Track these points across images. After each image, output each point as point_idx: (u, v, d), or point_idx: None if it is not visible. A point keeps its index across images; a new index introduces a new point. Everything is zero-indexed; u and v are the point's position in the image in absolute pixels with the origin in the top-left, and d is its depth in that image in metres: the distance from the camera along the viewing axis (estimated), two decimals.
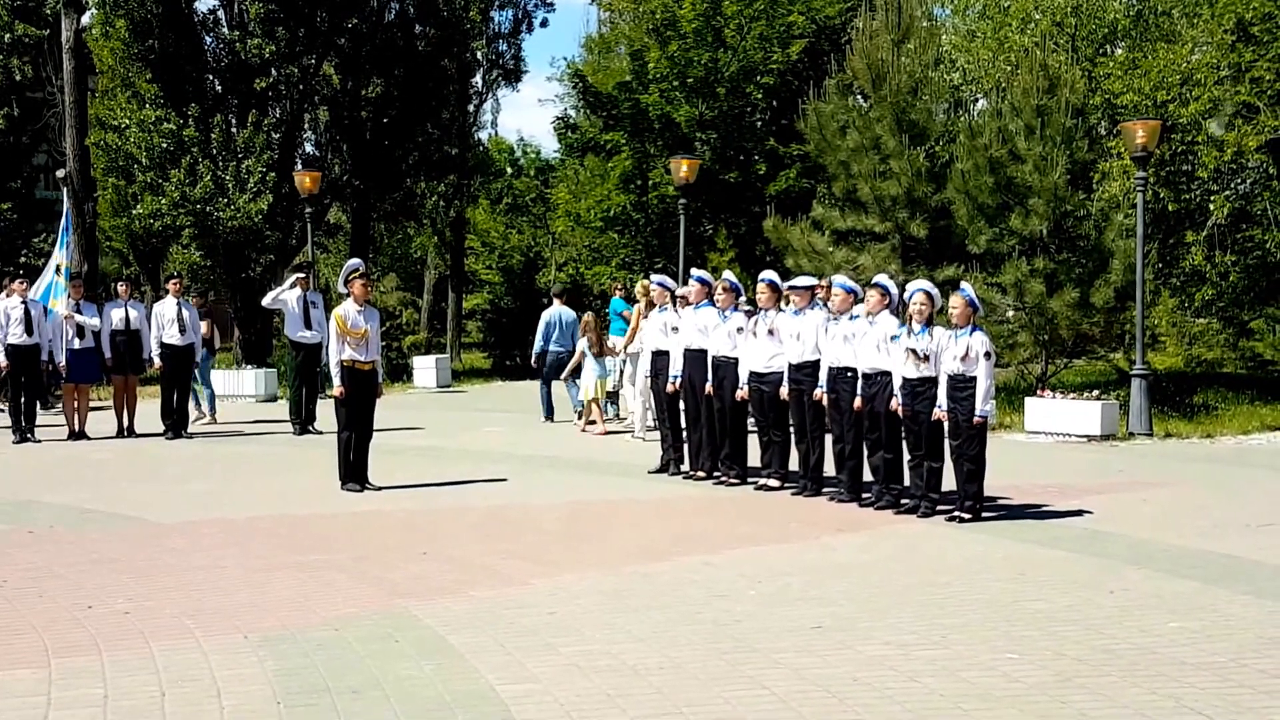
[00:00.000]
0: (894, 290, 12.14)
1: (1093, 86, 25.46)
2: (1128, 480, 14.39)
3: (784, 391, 13.08)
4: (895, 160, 22.52)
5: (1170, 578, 9.22)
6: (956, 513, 11.50)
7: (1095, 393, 19.40)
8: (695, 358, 14.13)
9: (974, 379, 11.28)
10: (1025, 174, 21.23)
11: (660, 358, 14.84)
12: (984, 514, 11.58)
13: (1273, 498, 13.17)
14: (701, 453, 14.25)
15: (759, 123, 31.17)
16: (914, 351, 11.57)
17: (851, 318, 12.40)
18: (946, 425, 11.50)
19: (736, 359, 13.59)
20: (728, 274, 14.67)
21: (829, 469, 12.99)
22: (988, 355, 11.32)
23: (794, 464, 13.34)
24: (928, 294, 11.64)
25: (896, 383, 11.79)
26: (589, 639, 7.53)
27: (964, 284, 12.00)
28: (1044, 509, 12.20)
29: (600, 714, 6.19)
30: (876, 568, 9.65)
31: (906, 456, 12.03)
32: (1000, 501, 12.39)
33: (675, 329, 14.57)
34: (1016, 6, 32.17)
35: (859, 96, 24.20)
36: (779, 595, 8.66)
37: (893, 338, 11.82)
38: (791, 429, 13.32)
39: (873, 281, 12.44)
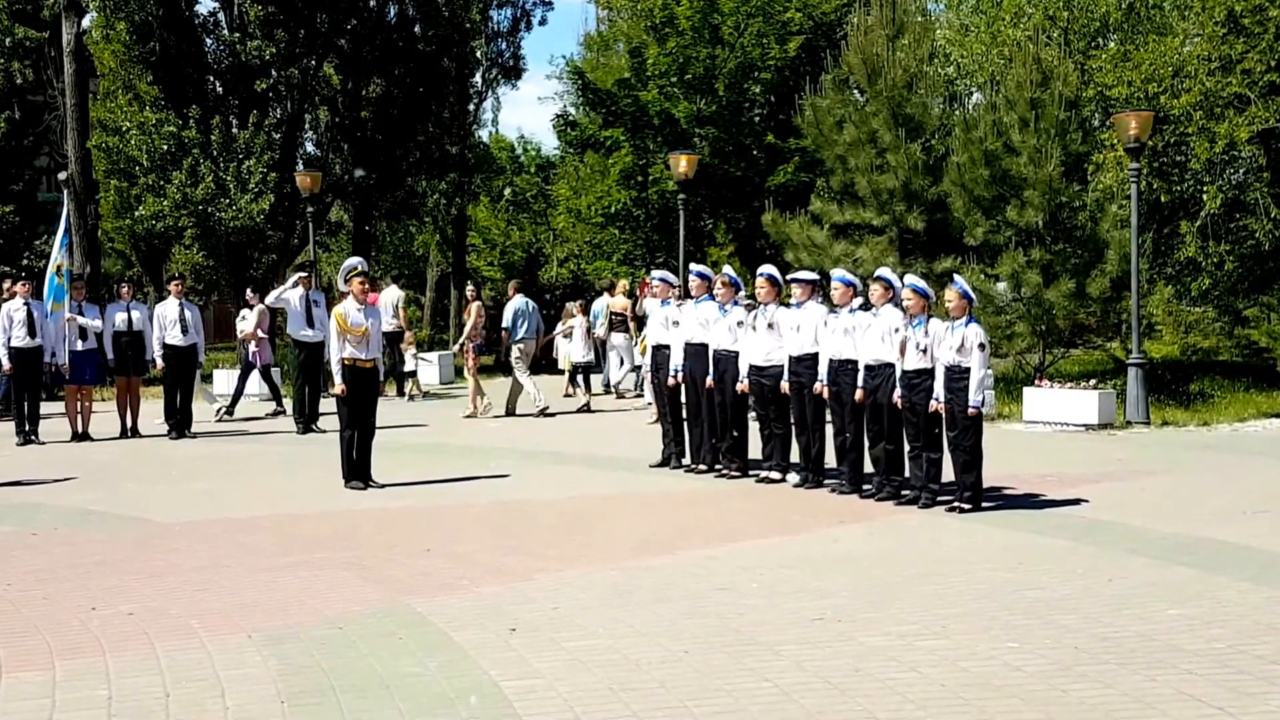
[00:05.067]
0: (898, 283, 12.19)
1: (1085, 79, 25.53)
2: (1125, 469, 14.44)
3: (784, 385, 13.14)
4: (892, 154, 22.57)
5: (1168, 565, 9.27)
6: (956, 503, 11.55)
7: (1092, 382, 19.50)
8: (696, 352, 14.17)
9: (969, 370, 11.33)
10: (1020, 166, 21.29)
11: (661, 352, 14.89)
12: (983, 504, 11.62)
13: (1269, 484, 13.22)
14: (703, 446, 14.30)
15: (757, 118, 31.15)
16: (903, 344, 11.69)
17: (852, 310, 12.45)
18: (944, 416, 11.55)
19: (737, 352, 13.65)
20: (727, 269, 14.72)
21: (830, 461, 13.05)
22: (981, 346, 11.37)
23: (795, 456, 13.39)
24: (915, 290, 11.73)
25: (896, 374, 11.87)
26: (592, 633, 7.57)
27: (958, 276, 12.05)
28: (1043, 498, 12.24)
29: (604, 708, 6.23)
30: (877, 559, 9.69)
31: (907, 448, 12.08)
32: (999, 491, 12.43)
33: (676, 323, 14.61)
34: (1009, 1, 32.22)
35: (855, 91, 24.26)
36: (781, 587, 8.70)
37: (895, 330, 11.88)
38: (792, 422, 13.37)
39: (876, 275, 12.48)
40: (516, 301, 21.82)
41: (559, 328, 24.57)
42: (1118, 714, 6.04)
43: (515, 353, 21.36)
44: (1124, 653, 7.01)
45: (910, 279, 12.04)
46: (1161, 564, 9.32)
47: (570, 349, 23.58)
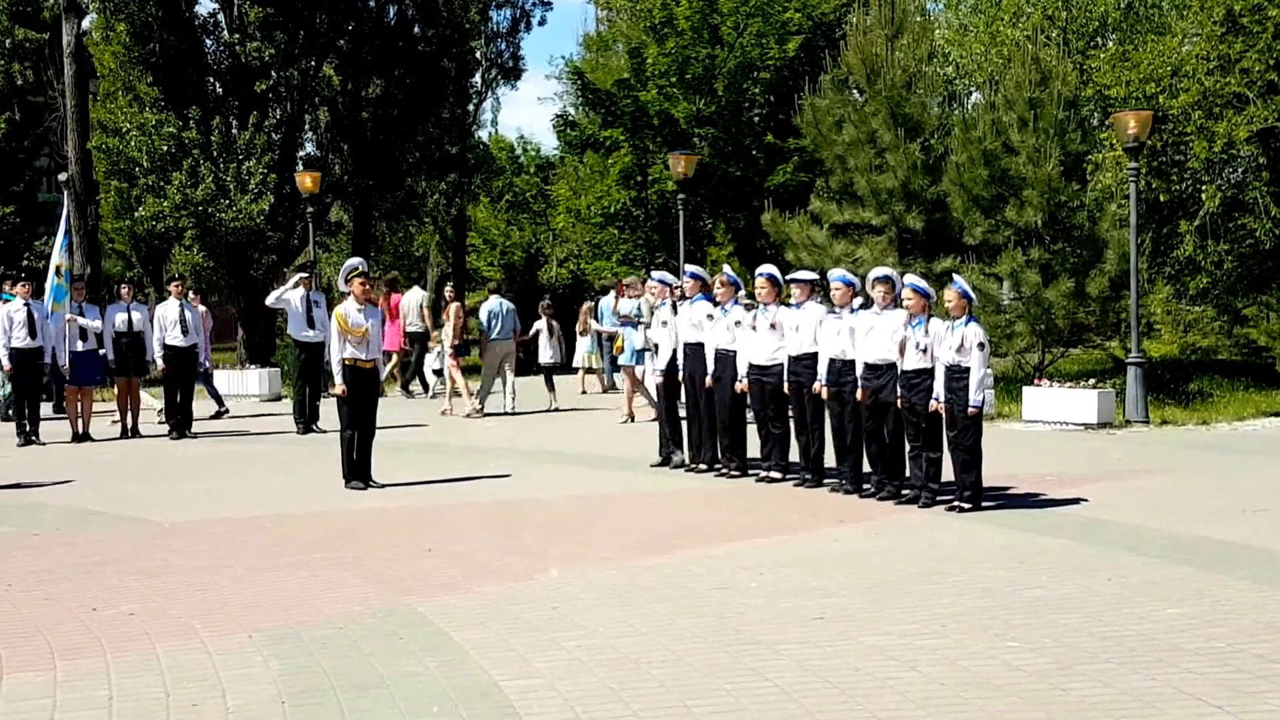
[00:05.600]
0: (899, 283, 12.18)
1: (1084, 79, 25.55)
2: (1125, 468, 14.44)
3: (786, 385, 13.14)
4: (891, 154, 22.59)
5: (1168, 564, 9.27)
6: (956, 502, 11.56)
7: (1092, 381, 19.50)
8: (694, 352, 14.18)
9: (969, 369, 11.33)
10: (1019, 166, 21.30)
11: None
12: (983, 503, 11.63)
13: (1268, 483, 13.21)
14: (702, 445, 14.31)
15: (757, 118, 31.19)
16: (903, 344, 11.69)
17: (852, 310, 12.45)
18: (944, 416, 11.55)
19: (736, 352, 13.65)
20: (726, 268, 14.73)
21: (829, 460, 13.05)
22: (981, 346, 11.37)
23: (794, 455, 13.40)
24: (915, 289, 11.73)
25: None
26: (592, 633, 7.58)
27: (957, 276, 12.05)
28: (1042, 497, 12.25)
29: (604, 708, 6.24)
30: (877, 558, 9.70)
31: (907, 448, 12.08)
32: (999, 491, 12.43)
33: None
34: (1008, 0, 32.26)
35: (854, 91, 24.28)
36: (781, 587, 8.71)
37: (896, 330, 11.88)
38: (792, 421, 13.38)
39: (880, 276, 12.41)
40: (491, 303, 21.92)
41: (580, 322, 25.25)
42: (1118, 713, 6.05)
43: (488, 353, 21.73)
44: (1124, 651, 7.02)
45: (910, 278, 12.03)
46: (1161, 563, 9.33)
47: (540, 351, 24.04)
